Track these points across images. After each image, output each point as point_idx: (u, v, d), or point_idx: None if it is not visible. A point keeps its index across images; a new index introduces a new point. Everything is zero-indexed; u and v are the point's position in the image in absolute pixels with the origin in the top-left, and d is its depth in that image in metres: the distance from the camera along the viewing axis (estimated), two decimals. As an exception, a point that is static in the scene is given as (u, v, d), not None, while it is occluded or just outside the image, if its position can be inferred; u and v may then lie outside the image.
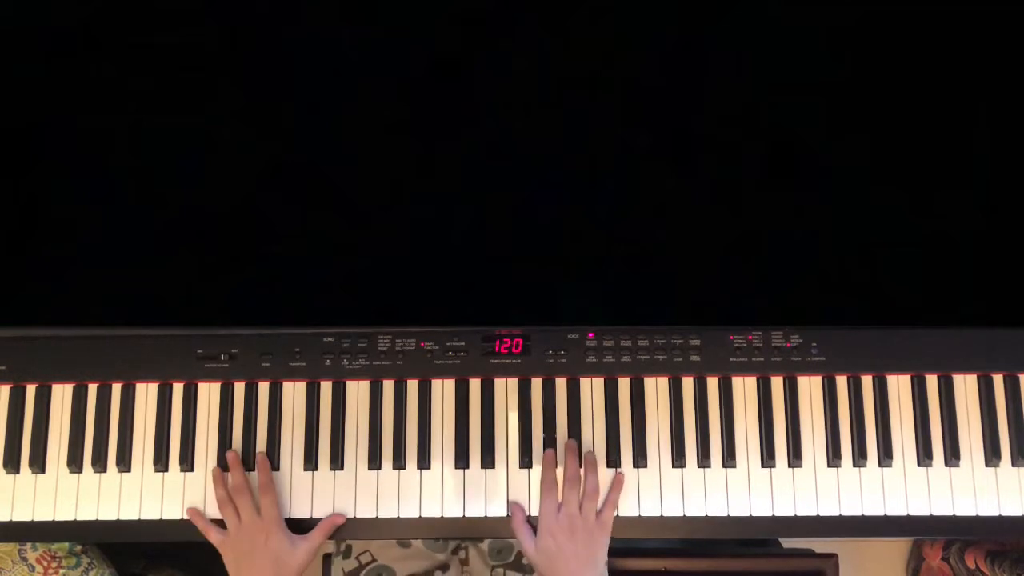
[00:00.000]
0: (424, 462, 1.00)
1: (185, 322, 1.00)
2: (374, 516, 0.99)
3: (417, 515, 0.99)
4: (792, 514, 0.98)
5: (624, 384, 1.01)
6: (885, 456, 0.99)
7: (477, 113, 0.95)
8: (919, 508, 0.98)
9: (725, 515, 0.98)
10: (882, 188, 0.95)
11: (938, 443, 0.99)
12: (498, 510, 0.99)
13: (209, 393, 1.02)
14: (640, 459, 0.99)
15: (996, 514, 0.98)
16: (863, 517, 0.98)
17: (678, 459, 0.99)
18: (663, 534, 0.99)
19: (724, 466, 0.99)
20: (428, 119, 0.95)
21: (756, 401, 1.00)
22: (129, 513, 0.99)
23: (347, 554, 1.08)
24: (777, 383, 1.01)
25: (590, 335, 1.02)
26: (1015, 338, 1.01)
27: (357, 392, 1.02)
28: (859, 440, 0.99)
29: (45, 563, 1.04)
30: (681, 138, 0.95)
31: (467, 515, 0.99)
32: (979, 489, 0.98)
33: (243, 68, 0.94)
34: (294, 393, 1.02)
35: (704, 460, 0.99)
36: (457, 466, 1.00)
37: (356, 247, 0.97)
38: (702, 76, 0.94)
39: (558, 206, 0.96)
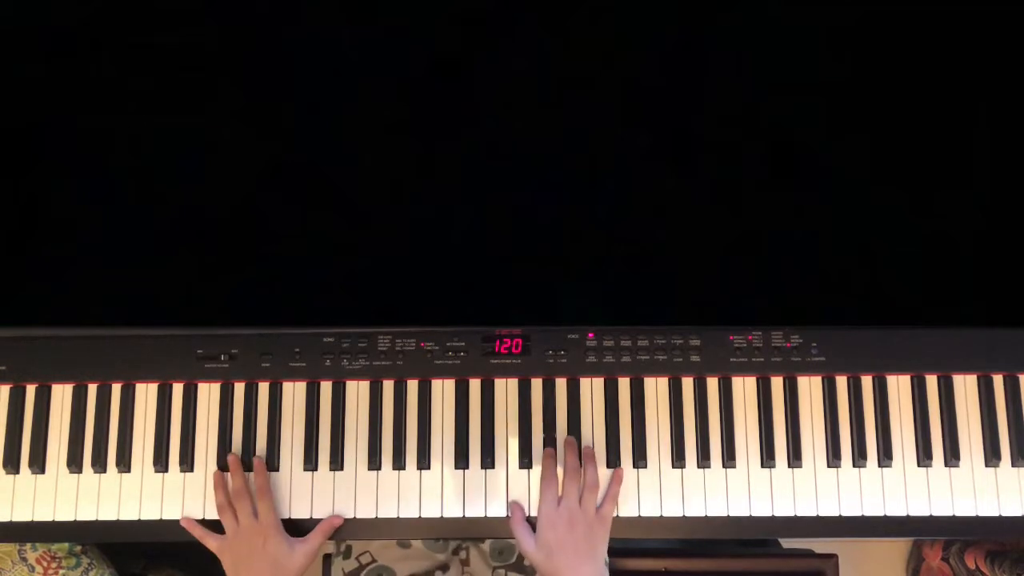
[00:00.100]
0: (424, 462, 1.00)
1: (185, 322, 1.00)
2: (374, 516, 0.99)
3: (417, 515, 0.99)
4: (792, 514, 0.98)
5: (624, 384, 1.01)
6: (885, 456, 0.99)
7: (477, 113, 0.95)
8: (919, 508, 0.98)
9: (725, 515, 0.98)
10: (882, 188, 0.95)
11: (938, 443, 0.99)
12: (498, 510, 0.99)
13: (209, 393, 1.02)
14: (640, 459, 0.99)
15: (996, 514, 0.98)
16: (863, 517, 0.98)
17: (678, 459, 0.99)
18: (663, 534, 0.99)
19: (724, 466, 0.99)
20: (428, 119, 0.95)
21: (756, 401, 1.00)
22: (129, 513, 0.99)
23: (347, 554, 1.08)
24: (777, 383, 1.01)
25: (590, 335, 1.01)
26: (1015, 338, 1.01)
27: (357, 392, 1.02)
28: (859, 440, 0.99)
29: (45, 563, 1.04)
30: (681, 138, 0.95)
31: (467, 515, 0.99)
32: (979, 489, 0.98)
33: (243, 68, 0.94)
34: (294, 393, 1.02)
35: (704, 460, 0.99)
36: (457, 466, 1.00)
37: (356, 247, 0.97)
38: (702, 76, 0.94)
39: (558, 206, 0.96)
